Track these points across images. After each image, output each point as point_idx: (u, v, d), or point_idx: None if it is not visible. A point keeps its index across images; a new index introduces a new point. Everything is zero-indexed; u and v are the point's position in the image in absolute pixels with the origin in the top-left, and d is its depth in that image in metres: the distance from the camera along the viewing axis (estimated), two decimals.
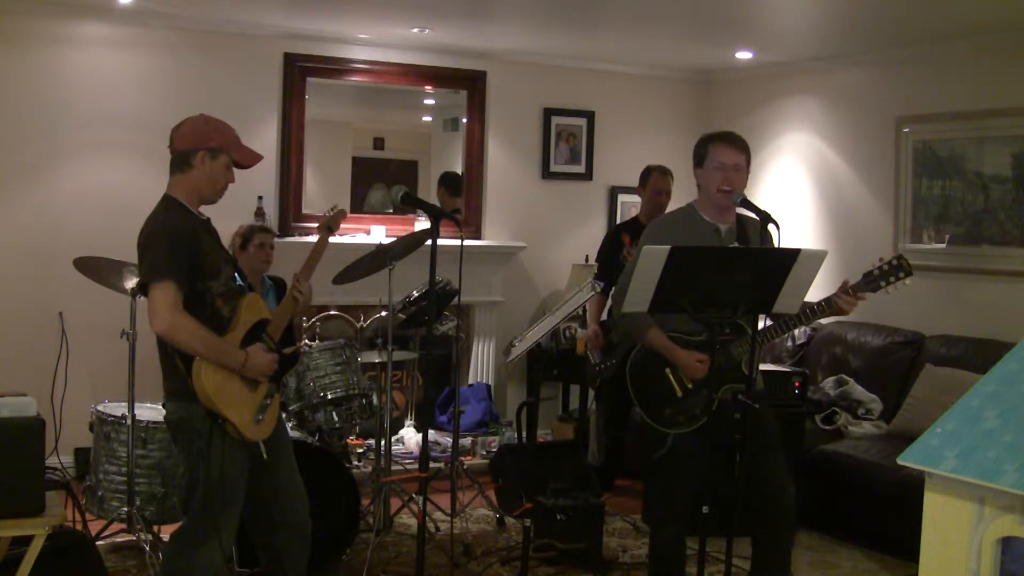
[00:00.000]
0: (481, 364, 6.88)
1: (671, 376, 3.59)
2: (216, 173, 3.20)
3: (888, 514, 4.71)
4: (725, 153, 3.60)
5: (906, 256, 3.51)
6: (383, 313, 4.89)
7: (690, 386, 3.57)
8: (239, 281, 3.24)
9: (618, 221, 7.14)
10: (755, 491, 3.52)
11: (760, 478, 3.51)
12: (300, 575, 3.43)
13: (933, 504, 1.86)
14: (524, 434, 5.96)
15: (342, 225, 5.91)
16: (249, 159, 3.30)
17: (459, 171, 6.93)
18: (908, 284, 3.46)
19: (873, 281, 3.47)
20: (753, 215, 3.50)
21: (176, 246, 3.04)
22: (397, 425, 6.33)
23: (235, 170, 3.27)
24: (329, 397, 4.61)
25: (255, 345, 3.15)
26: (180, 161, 3.19)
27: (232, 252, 4.89)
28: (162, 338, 3.05)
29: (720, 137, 3.67)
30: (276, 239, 5.14)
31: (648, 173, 5.79)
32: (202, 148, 3.18)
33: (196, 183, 3.18)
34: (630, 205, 7.06)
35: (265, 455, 3.15)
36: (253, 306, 3.22)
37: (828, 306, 3.50)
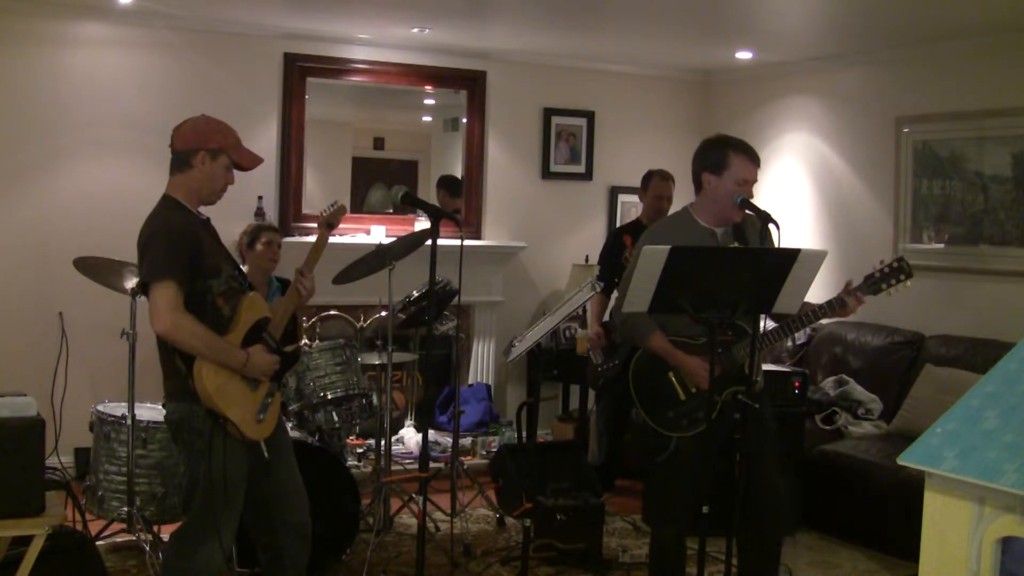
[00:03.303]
0: (481, 364, 6.88)
1: (674, 379, 3.58)
2: (216, 174, 3.19)
3: (888, 514, 4.71)
4: (750, 170, 3.54)
5: (906, 256, 3.51)
6: (383, 313, 4.89)
7: (694, 390, 3.55)
8: (240, 280, 3.24)
9: (618, 221, 7.14)
10: (747, 490, 3.51)
11: (753, 478, 3.50)
12: (301, 575, 3.42)
13: (933, 504, 1.86)
14: (524, 434, 5.96)
15: (342, 225, 5.94)
16: (249, 161, 3.29)
17: (459, 171, 6.94)
18: (909, 286, 3.46)
19: (875, 284, 3.46)
20: (753, 215, 3.49)
21: (176, 246, 3.04)
22: (397, 425, 6.33)
23: (235, 171, 3.27)
24: (329, 397, 4.61)
25: (256, 346, 3.15)
26: (180, 161, 3.19)
27: (239, 251, 4.90)
28: (163, 338, 3.05)
29: (744, 149, 3.56)
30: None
31: (649, 178, 5.80)
32: (202, 148, 3.17)
33: (196, 183, 3.18)
34: (630, 205, 7.07)
35: (267, 454, 3.15)
36: (253, 305, 3.21)
37: (830, 308, 3.49)
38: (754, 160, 3.57)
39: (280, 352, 3.23)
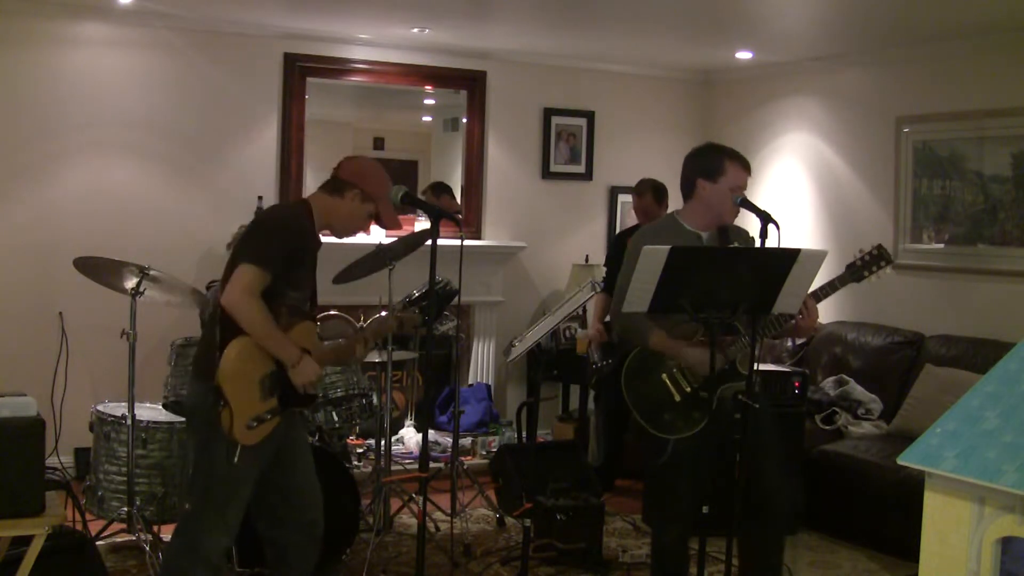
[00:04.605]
0: (481, 364, 6.88)
1: (668, 381, 3.58)
2: (357, 215, 3.32)
3: (888, 514, 4.72)
4: (743, 176, 3.63)
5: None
6: (383, 313, 4.89)
7: (688, 389, 3.56)
8: (308, 308, 3.31)
9: (618, 220, 7.15)
10: (747, 492, 3.52)
11: (753, 480, 3.50)
12: (306, 573, 3.42)
13: (933, 504, 1.86)
14: (524, 434, 5.96)
15: None
16: (391, 222, 3.42)
17: (459, 171, 6.93)
18: (888, 272, 3.54)
19: (857, 271, 3.53)
20: (753, 215, 3.50)
21: (285, 242, 3.13)
22: (397, 425, 6.33)
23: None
24: (329, 397, 4.60)
25: (310, 357, 3.20)
26: (336, 187, 3.32)
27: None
28: (228, 310, 3.06)
29: (738, 157, 3.65)
30: None
31: (632, 195, 5.87)
32: (360, 187, 3.30)
33: (336, 212, 3.30)
34: (630, 205, 7.02)
35: (235, 459, 3.10)
36: (305, 333, 3.25)
37: (779, 324, 3.52)
38: (746, 168, 3.68)
39: (294, 389, 3.23)
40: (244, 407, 3.09)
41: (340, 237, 3.39)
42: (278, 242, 3.13)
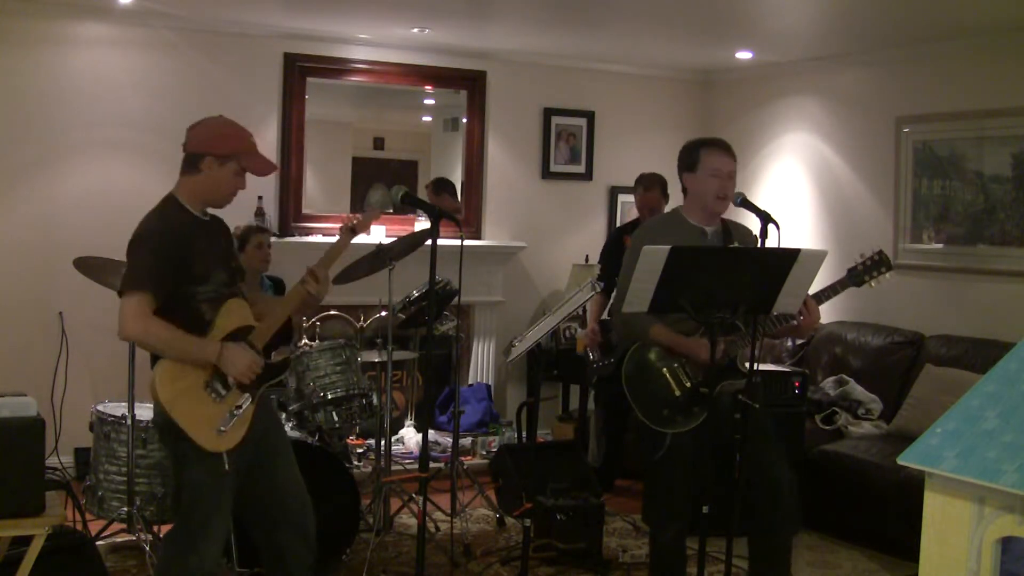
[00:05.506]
0: (481, 364, 6.88)
1: (668, 376, 3.59)
2: (222, 179, 3.14)
3: (888, 514, 4.71)
4: (720, 160, 3.64)
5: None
6: (383, 313, 4.89)
7: (688, 384, 3.57)
8: (230, 287, 3.18)
9: (618, 221, 7.14)
10: (750, 488, 3.52)
11: (754, 474, 3.51)
12: (304, 574, 3.41)
13: (933, 504, 1.86)
14: (524, 434, 5.96)
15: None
16: (262, 168, 3.23)
17: (459, 171, 6.93)
18: (888, 278, 3.59)
19: (857, 276, 3.58)
20: (753, 215, 3.50)
21: (158, 253, 2.99)
22: (397, 425, 6.33)
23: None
24: (329, 397, 4.60)
25: (237, 343, 3.08)
26: (189, 163, 3.14)
27: None
28: (130, 343, 3.02)
29: (713, 143, 3.70)
30: (276, 239, 5.14)
31: (635, 188, 5.78)
32: (210, 154, 3.11)
33: (202, 187, 3.14)
34: (630, 205, 7.03)
35: (227, 466, 3.04)
36: (233, 312, 3.14)
37: (778, 322, 3.53)
38: (724, 150, 3.68)
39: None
40: (202, 421, 3.03)
41: (221, 207, 3.24)
42: (147, 256, 2.98)
